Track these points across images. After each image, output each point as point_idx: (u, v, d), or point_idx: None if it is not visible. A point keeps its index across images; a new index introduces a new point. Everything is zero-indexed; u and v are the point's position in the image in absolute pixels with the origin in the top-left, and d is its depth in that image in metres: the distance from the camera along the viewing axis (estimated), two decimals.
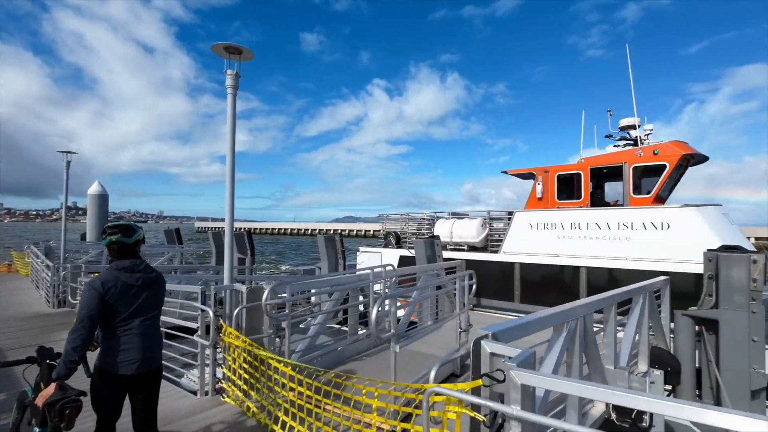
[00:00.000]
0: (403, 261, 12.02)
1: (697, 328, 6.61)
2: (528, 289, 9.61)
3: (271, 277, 11.92)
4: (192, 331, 4.81)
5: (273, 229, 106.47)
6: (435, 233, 11.53)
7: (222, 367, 4.43)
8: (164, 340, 3.35)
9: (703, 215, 7.83)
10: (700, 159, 9.04)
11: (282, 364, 3.67)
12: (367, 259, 12.84)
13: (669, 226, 8.02)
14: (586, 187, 9.84)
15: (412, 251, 11.30)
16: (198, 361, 4.54)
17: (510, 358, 2.22)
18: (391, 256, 12.33)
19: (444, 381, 5.02)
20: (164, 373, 3.28)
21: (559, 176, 10.30)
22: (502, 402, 2.08)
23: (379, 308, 3.79)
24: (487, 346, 2.46)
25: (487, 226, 11.02)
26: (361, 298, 6.72)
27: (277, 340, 4.72)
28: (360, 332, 6.28)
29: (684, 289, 7.55)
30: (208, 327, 4.45)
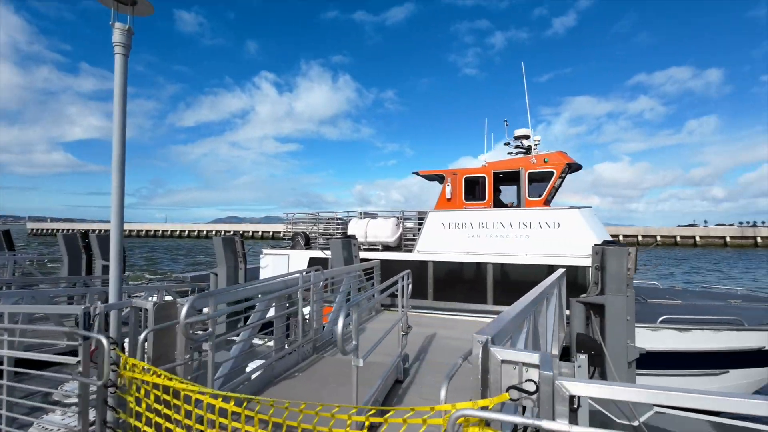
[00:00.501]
0: (314, 263, 11.33)
1: (586, 312, 7.59)
2: (441, 287, 9.94)
3: (150, 288, 10.01)
4: (39, 364, 3.60)
5: (141, 230, 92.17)
6: (349, 233, 11.15)
7: (118, 413, 3.31)
8: None
9: (583, 216, 9.12)
10: (576, 168, 10.57)
11: (219, 399, 2.87)
12: (272, 262, 11.79)
13: (559, 225, 9.14)
14: (490, 189, 10.64)
15: (326, 252, 10.74)
16: (79, 407, 3.32)
17: (534, 365, 2.00)
18: (300, 258, 11.55)
19: (390, 390, 4.70)
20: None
21: (466, 179, 10.93)
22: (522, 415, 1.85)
23: (345, 317, 3.27)
24: (498, 354, 2.20)
25: (401, 225, 11.11)
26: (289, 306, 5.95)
27: (195, 366, 3.77)
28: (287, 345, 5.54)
29: (570, 279, 8.66)
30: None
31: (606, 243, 7.85)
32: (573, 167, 10.37)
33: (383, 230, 10.74)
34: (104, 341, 3.12)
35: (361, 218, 11.40)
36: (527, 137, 11.44)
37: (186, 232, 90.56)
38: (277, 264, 11.74)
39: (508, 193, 11.84)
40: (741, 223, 78.55)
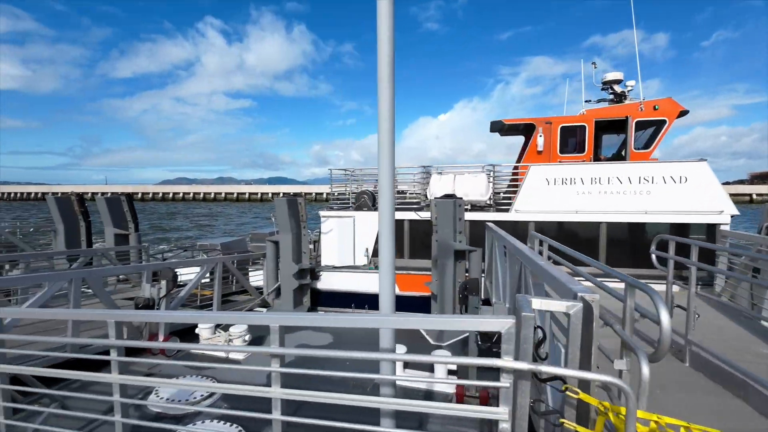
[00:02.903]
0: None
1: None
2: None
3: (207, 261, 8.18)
4: None
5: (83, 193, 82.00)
6: (432, 191, 9.73)
7: None
8: None
9: (710, 169, 8.44)
10: (682, 115, 9.78)
11: None
12: (337, 226, 10.16)
13: (686, 180, 8.40)
14: (590, 140, 9.61)
15: (421, 214, 9.35)
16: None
17: None
18: (369, 220, 10.03)
19: None
20: None
21: (562, 128, 9.79)
22: None
23: None
24: None
25: (492, 182, 9.87)
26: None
27: None
28: None
29: (702, 238, 8.08)
30: None
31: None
32: (681, 115, 9.57)
33: (475, 187, 9.44)
34: None
35: (442, 174, 9.94)
36: (618, 82, 10.38)
37: (138, 195, 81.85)
38: (343, 228, 10.14)
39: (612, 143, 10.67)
40: None
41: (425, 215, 9.66)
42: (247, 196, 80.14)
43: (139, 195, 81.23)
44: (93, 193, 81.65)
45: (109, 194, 11.77)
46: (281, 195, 10.76)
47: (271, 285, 9.63)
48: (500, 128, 11.55)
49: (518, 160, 11.52)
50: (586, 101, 11.39)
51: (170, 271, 6.92)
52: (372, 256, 10.02)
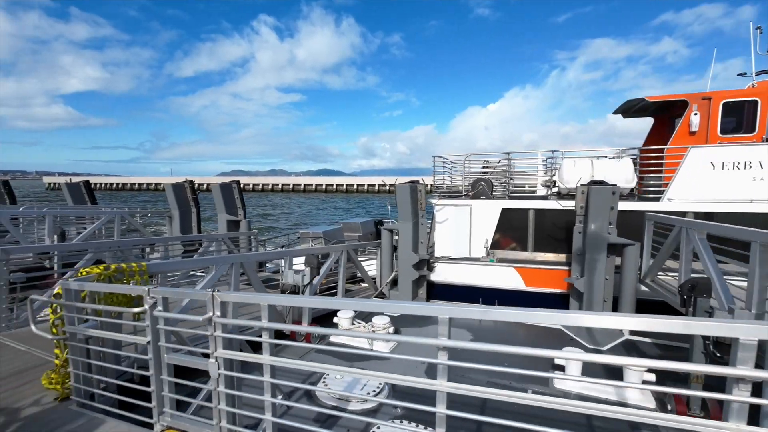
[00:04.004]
0: (509, 215, 9.12)
1: None
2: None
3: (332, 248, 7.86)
4: None
5: (149, 184, 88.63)
6: (562, 178, 8.78)
7: None
8: None
9: None
10: None
11: None
12: (453, 215, 9.52)
13: None
14: (763, 118, 8.15)
15: (563, 204, 8.49)
16: None
17: None
18: (488, 209, 9.28)
19: None
20: None
21: (725, 104, 8.39)
22: None
23: None
24: None
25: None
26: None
27: None
28: None
29: None
30: None
31: None
32: None
33: (620, 173, 8.33)
34: None
35: (577, 159, 8.93)
36: None
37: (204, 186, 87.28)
38: (459, 217, 9.49)
39: None
40: None
41: (552, 204, 8.76)
42: (302, 187, 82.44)
43: (205, 186, 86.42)
44: (156, 184, 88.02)
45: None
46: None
47: (386, 275, 9.22)
48: (628, 108, 10.30)
49: (645, 145, 10.24)
50: (739, 74, 9.80)
51: (314, 259, 6.66)
52: (490, 248, 9.29)
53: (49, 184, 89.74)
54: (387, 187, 66.07)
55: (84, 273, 3.94)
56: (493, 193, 9.72)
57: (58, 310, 3.74)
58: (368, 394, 4.58)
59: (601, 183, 7.54)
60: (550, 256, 8.91)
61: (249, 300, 2.97)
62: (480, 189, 9.54)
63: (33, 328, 3.76)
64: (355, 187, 76.60)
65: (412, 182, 8.90)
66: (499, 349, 2.15)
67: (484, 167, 10.65)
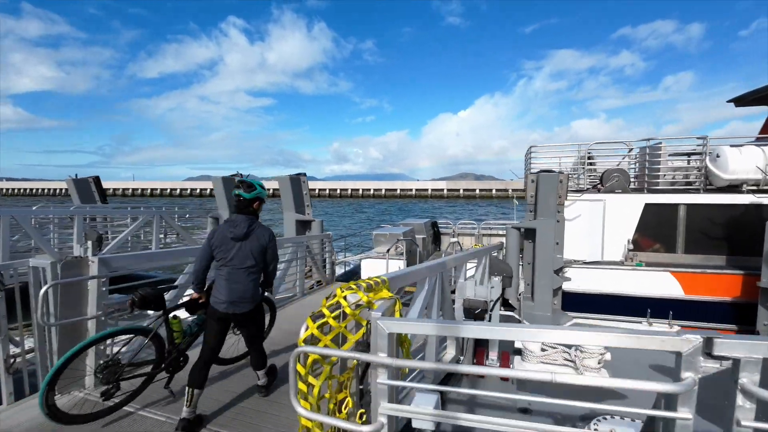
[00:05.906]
0: (654, 210, 7.80)
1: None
2: None
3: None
4: None
5: (114, 189, 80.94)
6: (724, 168, 7.56)
7: None
8: None
9: None
10: None
11: None
12: (587, 210, 8.05)
13: None
14: None
15: (758, 196, 7.18)
16: None
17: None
18: (627, 204, 7.92)
19: None
20: None
21: None
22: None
23: None
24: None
25: None
26: None
27: None
28: None
29: None
30: None
31: None
32: None
33: None
34: None
35: (740, 146, 7.73)
36: None
37: (158, 191, 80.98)
38: (593, 212, 8.03)
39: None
40: None
41: (704, 198, 7.54)
42: (270, 192, 78.78)
43: (168, 191, 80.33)
44: (124, 189, 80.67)
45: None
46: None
47: (518, 284, 7.55)
48: (746, 97, 9.48)
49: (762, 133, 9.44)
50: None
51: (509, 267, 4.90)
52: (632, 250, 7.89)
53: (3, 189, 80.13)
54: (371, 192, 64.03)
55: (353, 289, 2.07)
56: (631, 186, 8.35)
57: None
58: None
59: None
60: (702, 259, 7.64)
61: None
62: (615, 182, 8.13)
63: None
64: (327, 192, 74.11)
65: (553, 172, 7.34)
66: None
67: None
